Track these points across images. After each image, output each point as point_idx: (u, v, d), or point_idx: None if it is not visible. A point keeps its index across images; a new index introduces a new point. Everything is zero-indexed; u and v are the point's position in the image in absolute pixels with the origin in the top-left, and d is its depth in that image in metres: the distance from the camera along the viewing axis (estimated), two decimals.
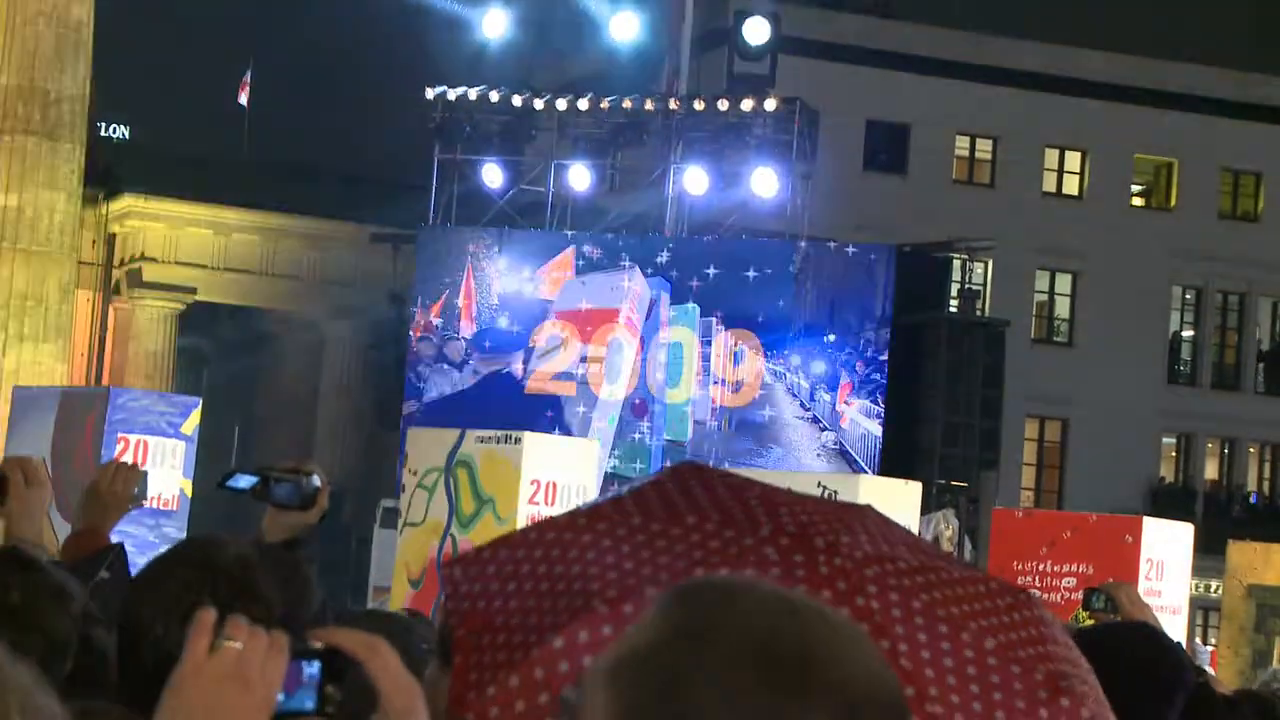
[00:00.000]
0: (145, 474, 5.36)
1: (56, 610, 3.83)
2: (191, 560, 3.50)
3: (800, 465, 29.25)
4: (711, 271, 31.23)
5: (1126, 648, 4.39)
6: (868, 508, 3.09)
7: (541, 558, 2.84)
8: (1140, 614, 5.42)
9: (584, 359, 30.84)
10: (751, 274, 31.17)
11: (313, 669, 2.24)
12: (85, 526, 5.21)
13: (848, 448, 29.44)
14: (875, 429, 29.73)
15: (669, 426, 31.14)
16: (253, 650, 2.18)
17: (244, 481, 4.42)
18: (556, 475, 19.25)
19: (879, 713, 1.77)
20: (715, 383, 31.29)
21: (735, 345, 31.22)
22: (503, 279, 32.36)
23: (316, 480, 4.46)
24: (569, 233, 32.57)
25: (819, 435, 30.36)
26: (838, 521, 2.95)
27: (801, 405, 30.68)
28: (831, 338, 30.65)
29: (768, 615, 1.78)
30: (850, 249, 31.62)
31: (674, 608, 1.79)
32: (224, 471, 4.49)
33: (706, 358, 31.23)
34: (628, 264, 31.30)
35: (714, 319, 31.16)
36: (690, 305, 31.29)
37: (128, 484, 5.28)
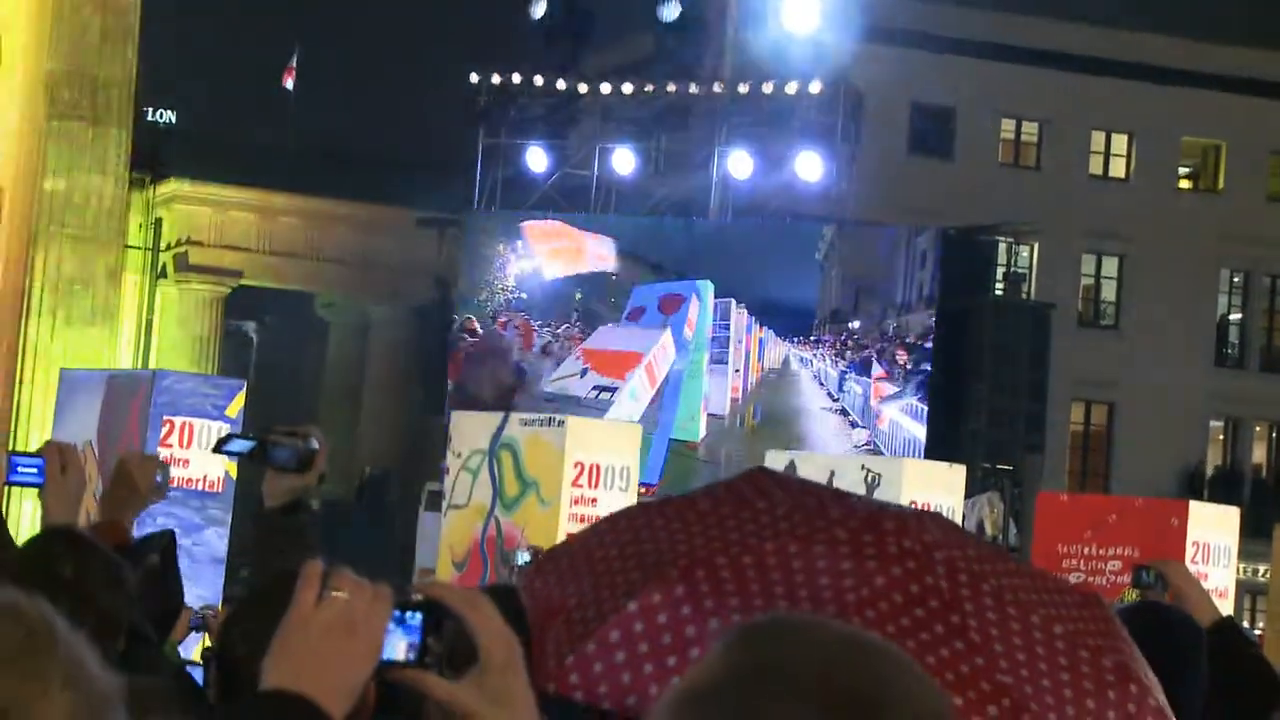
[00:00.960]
0: (166, 466, 5.32)
1: (110, 587, 3.88)
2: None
3: None
4: (734, 257, 31.05)
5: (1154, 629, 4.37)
6: (935, 513, 3.11)
7: (612, 542, 2.92)
8: (1191, 590, 5.38)
9: (597, 389, 30.55)
10: (776, 258, 31.03)
11: (414, 621, 2.29)
12: (105, 518, 5.19)
13: (884, 451, 29.01)
14: (919, 431, 29.11)
15: (677, 425, 30.62)
16: (357, 600, 2.23)
17: (241, 445, 4.41)
18: (600, 457, 19.26)
19: None
20: (735, 370, 30.98)
21: (760, 332, 31.02)
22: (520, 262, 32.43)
23: (314, 442, 4.45)
24: (611, 217, 32.58)
25: (850, 433, 29.99)
26: (905, 513, 3.00)
27: (829, 395, 30.46)
28: (856, 324, 30.49)
29: (833, 653, 1.77)
30: (891, 230, 31.48)
31: (739, 645, 1.79)
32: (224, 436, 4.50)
33: (724, 342, 30.92)
34: (660, 324, 31.01)
35: (732, 302, 30.90)
36: (705, 282, 30.94)
37: (146, 475, 5.25)
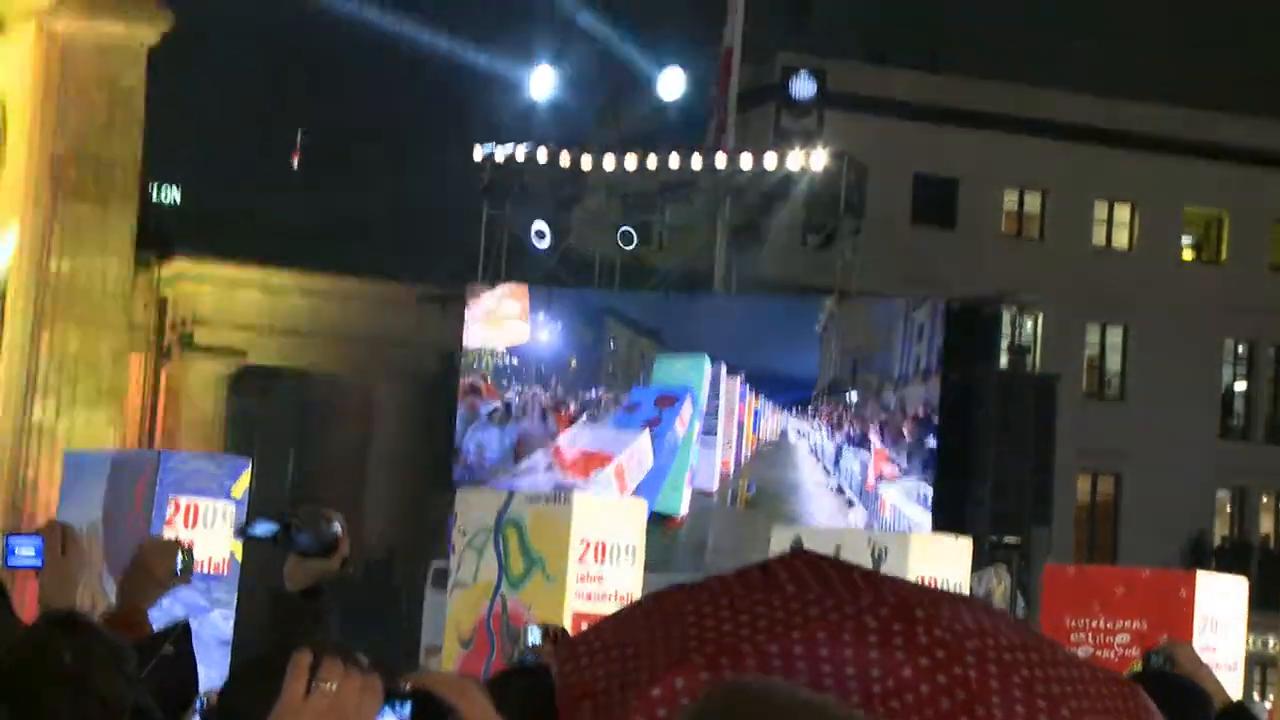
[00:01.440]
0: (188, 551, 5.21)
1: (111, 673, 3.83)
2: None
3: None
4: (734, 328, 30.97)
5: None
6: (974, 598, 3.06)
7: (642, 624, 2.88)
8: (1200, 672, 5.38)
9: (559, 487, 29.59)
10: (776, 330, 30.97)
11: (404, 711, 2.29)
12: (125, 604, 5.17)
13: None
14: (922, 519, 28.68)
15: (661, 498, 30.28)
16: (347, 692, 2.25)
17: (264, 529, 4.46)
18: (606, 535, 19.18)
19: None
20: (727, 443, 30.66)
21: (756, 402, 30.81)
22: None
23: (336, 527, 4.52)
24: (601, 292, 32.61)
25: (847, 512, 29.72)
26: (941, 599, 2.95)
27: (824, 470, 30.25)
28: (853, 396, 30.39)
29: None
30: (890, 304, 31.42)
31: (712, 707, 1.82)
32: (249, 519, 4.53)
33: (714, 412, 30.70)
34: (640, 425, 30.75)
35: (723, 369, 30.68)
36: (701, 356, 30.76)
37: (165, 560, 5.20)
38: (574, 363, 31.88)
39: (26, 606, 5.10)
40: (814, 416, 30.56)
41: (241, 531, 4.56)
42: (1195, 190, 43.72)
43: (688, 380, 30.75)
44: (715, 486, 30.65)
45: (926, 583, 3.28)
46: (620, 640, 2.88)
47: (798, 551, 3.10)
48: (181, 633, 5.13)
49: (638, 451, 30.60)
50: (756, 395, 30.60)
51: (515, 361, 32.24)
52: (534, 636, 8.55)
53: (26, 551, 5.12)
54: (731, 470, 30.80)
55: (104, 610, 5.37)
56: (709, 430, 30.66)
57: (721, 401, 30.63)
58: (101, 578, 19.16)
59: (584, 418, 31.16)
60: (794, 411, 30.64)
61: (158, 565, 5.15)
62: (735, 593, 2.89)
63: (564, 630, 8.38)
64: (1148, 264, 43.42)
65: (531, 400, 31.95)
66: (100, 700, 3.72)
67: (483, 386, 32.25)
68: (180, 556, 5.13)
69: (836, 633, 2.81)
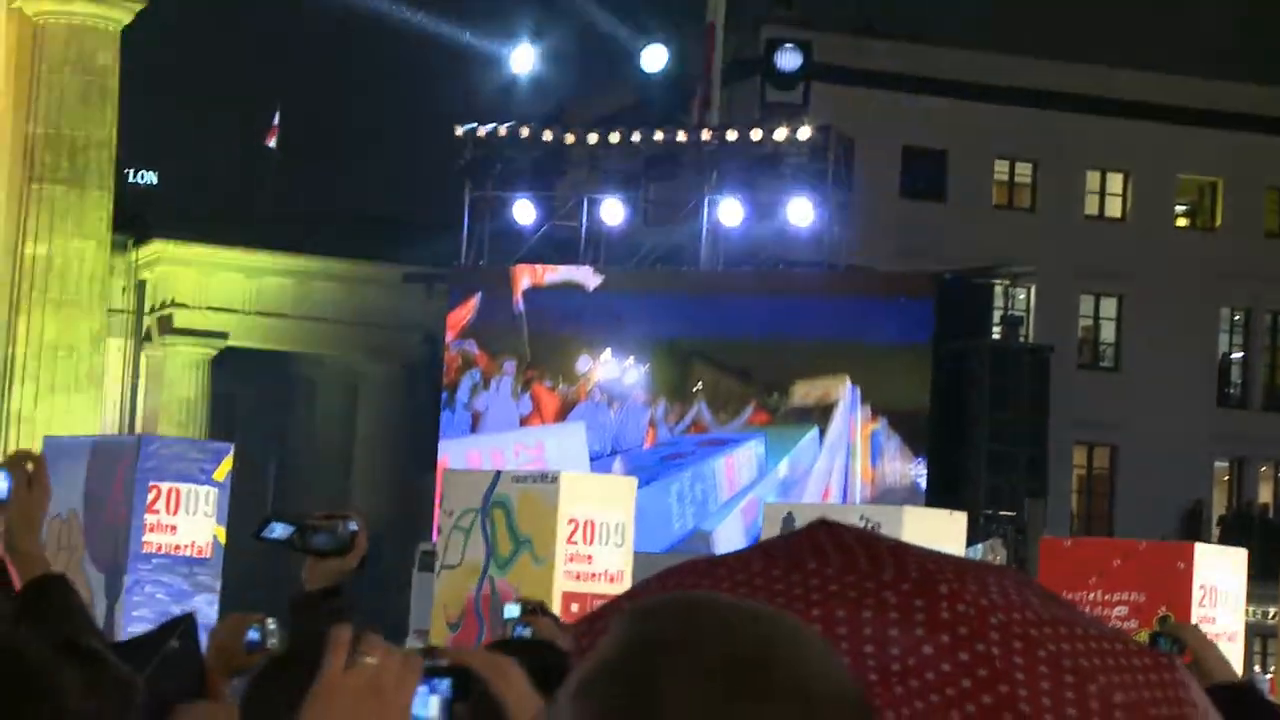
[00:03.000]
0: (263, 624, 4.95)
1: (120, 706, 3.74)
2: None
3: None
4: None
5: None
6: (1007, 568, 3.03)
7: None
8: (1209, 653, 5.30)
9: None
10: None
11: (443, 686, 2.32)
12: (212, 687, 4.99)
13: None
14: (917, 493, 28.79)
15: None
16: (387, 667, 2.26)
17: (280, 531, 4.47)
18: (594, 513, 19.06)
19: (840, 713, 1.80)
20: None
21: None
22: None
23: (353, 525, 4.50)
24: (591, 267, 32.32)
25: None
26: (968, 572, 2.92)
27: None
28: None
29: (729, 624, 1.83)
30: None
31: (639, 621, 1.84)
32: (259, 519, 4.53)
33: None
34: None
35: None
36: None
37: (233, 636, 4.96)
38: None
39: None
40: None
41: (256, 534, 4.50)
42: (1189, 157, 43.54)
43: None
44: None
45: None
46: None
47: (822, 522, 3.04)
48: (186, 627, 5.11)
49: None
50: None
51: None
52: (512, 612, 8.47)
53: None
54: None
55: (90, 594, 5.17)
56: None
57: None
58: (82, 563, 18.98)
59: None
60: None
61: (230, 641, 4.95)
62: (754, 568, 2.86)
63: (543, 604, 8.21)
64: (1141, 233, 43.23)
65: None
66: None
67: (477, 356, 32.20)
68: (253, 628, 4.91)
69: (856, 609, 2.77)
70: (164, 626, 5.17)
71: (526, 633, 5.87)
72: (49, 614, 4.59)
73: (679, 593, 2.03)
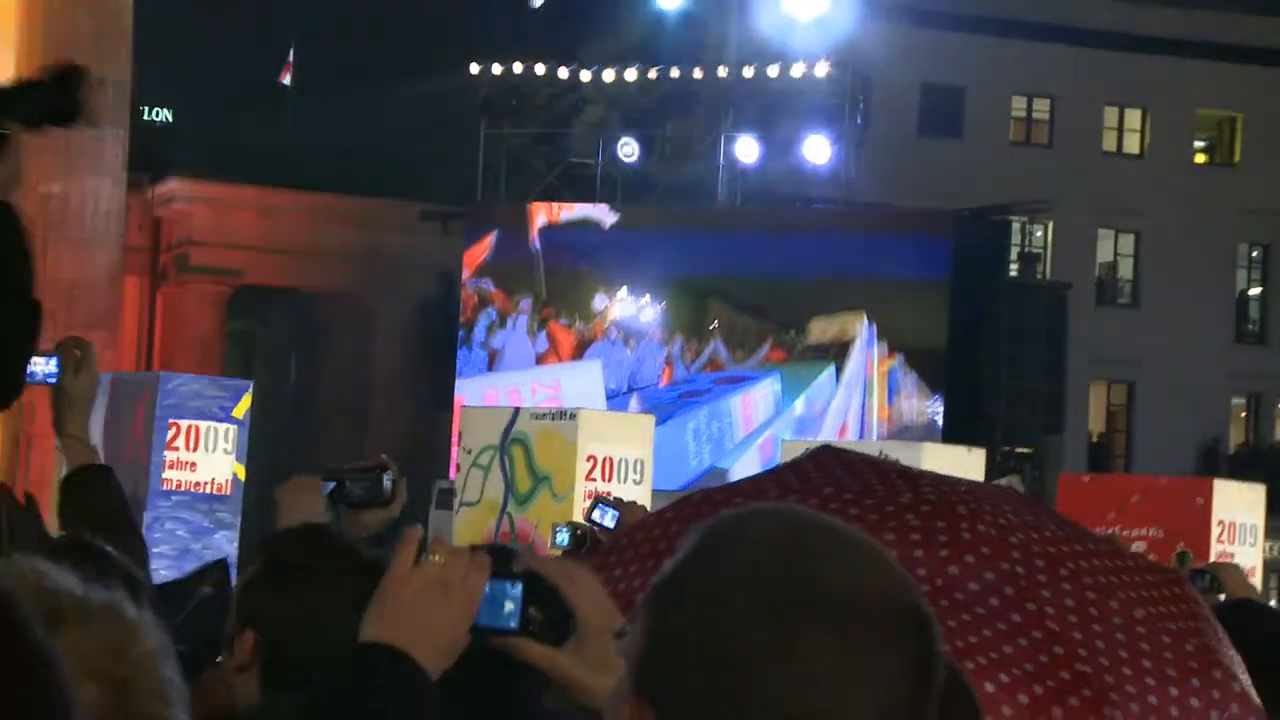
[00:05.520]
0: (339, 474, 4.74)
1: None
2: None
3: None
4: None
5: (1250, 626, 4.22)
6: (1010, 489, 3.16)
7: (677, 532, 2.89)
8: (1246, 593, 5.33)
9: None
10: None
11: (515, 591, 2.36)
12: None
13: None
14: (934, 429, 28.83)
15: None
16: (454, 565, 2.35)
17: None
18: (613, 450, 19.08)
19: (881, 623, 1.79)
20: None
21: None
22: None
23: (391, 475, 4.58)
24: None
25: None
26: (981, 493, 2.97)
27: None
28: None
29: (774, 532, 1.83)
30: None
31: (699, 535, 1.86)
32: (275, 455, 4.55)
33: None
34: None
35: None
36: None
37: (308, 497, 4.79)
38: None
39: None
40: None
41: None
42: (1207, 92, 43.29)
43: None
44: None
45: None
46: (654, 547, 2.93)
47: (826, 448, 3.07)
48: (220, 573, 5.13)
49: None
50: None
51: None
52: (563, 538, 8.38)
53: (47, 368, 4.90)
54: None
55: None
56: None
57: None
58: None
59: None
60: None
61: (302, 502, 4.76)
62: (770, 495, 2.87)
63: (592, 529, 8.10)
64: (1160, 169, 43.05)
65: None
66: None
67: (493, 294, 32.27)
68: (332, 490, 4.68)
69: (879, 532, 2.76)
70: (197, 572, 5.18)
71: (609, 515, 5.85)
72: (86, 505, 4.56)
73: (741, 507, 1.99)
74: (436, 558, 2.35)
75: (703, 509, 2.90)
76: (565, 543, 8.23)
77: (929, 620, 1.83)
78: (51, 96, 3.85)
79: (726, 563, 1.82)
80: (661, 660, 1.81)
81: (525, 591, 2.37)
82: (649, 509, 18.43)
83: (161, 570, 17.06)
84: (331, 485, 4.49)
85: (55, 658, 1.45)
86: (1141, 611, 2.79)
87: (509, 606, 2.36)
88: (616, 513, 5.54)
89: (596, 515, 5.59)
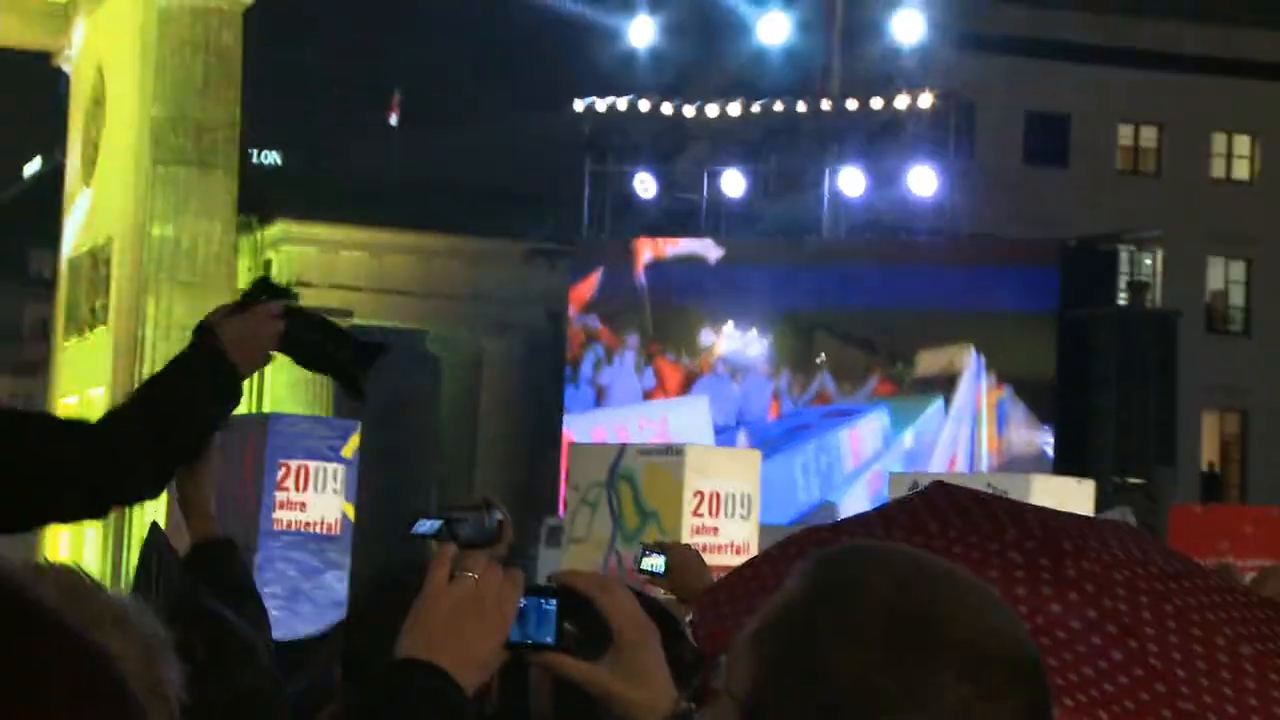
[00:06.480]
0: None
1: (243, 665, 3.82)
2: None
3: None
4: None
5: None
6: (1123, 523, 3.14)
7: (784, 570, 2.73)
8: None
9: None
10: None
11: (550, 606, 2.37)
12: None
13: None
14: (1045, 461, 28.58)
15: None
16: (488, 581, 2.36)
17: (427, 527, 4.61)
18: (719, 485, 19.02)
19: (1008, 670, 1.78)
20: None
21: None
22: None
23: (498, 514, 4.73)
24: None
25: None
26: (1088, 528, 2.95)
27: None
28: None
29: (896, 575, 1.82)
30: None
31: (812, 572, 1.86)
32: (384, 495, 4.60)
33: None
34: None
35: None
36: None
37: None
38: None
39: None
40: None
41: (406, 531, 4.63)
42: None
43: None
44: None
45: None
46: (763, 584, 2.92)
47: (937, 484, 3.06)
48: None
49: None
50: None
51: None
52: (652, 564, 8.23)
53: None
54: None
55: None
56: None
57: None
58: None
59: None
60: None
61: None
62: (876, 533, 2.88)
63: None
64: (1269, 195, 42.54)
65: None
66: (234, 693, 3.66)
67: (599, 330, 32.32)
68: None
69: (982, 570, 2.74)
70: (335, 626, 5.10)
71: (656, 560, 5.77)
72: (212, 578, 4.66)
73: (857, 543, 2.00)
74: (471, 574, 2.36)
75: (809, 546, 2.89)
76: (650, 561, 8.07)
77: (1043, 671, 1.82)
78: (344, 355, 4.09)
79: (854, 601, 1.80)
80: (774, 698, 1.80)
81: (560, 606, 2.38)
82: (755, 544, 18.39)
83: (273, 611, 17.19)
84: (437, 526, 4.57)
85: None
86: (1249, 648, 2.74)
87: (544, 621, 2.37)
88: (663, 557, 5.47)
89: (645, 564, 5.51)
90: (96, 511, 3.93)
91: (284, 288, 4.09)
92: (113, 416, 3.95)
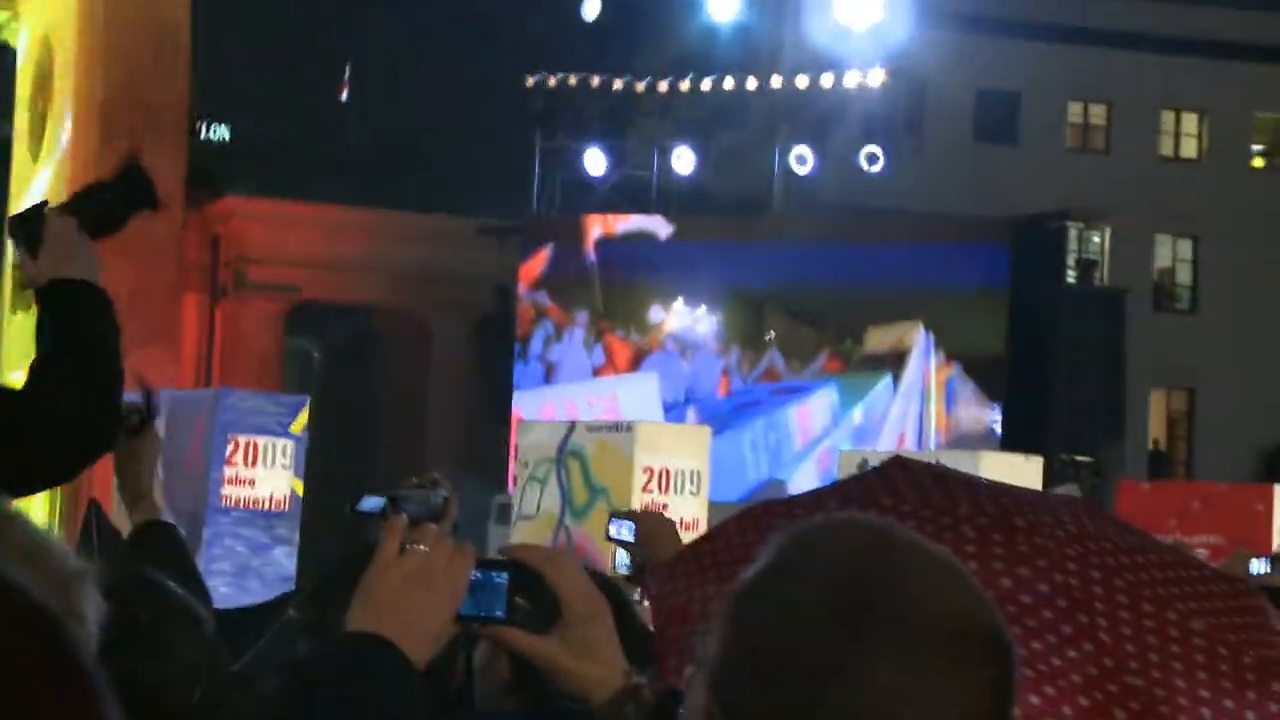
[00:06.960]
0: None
1: (185, 633, 3.78)
2: None
3: None
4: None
5: None
6: (1074, 498, 3.16)
7: (739, 544, 2.89)
8: None
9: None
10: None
11: (501, 579, 2.38)
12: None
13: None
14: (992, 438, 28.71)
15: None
16: (438, 554, 2.36)
17: (371, 504, 4.57)
18: (669, 462, 19.09)
19: (968, 644, 1.78)
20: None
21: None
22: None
23: (442, 492, 4.69)
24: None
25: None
26: (1042, 504, 2.94)
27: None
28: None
29: (858, 547, 1.82)
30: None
31: (778, 546, 1.86)
32: (333, 471, 4.61)
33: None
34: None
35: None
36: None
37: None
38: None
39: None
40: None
41: (350, 510, 4.59)
42: (1265, 96, 42.99)
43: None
44: None
45: None
46: (716, 559, 2.91)
47: (895, 460, 3.06)
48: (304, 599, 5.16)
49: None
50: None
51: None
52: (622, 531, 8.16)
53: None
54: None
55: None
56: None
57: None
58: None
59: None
60: None
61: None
62: (830, 507, 2.87)
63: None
64: (1217, 174, 42.77)
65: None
66: (175, 661, 3.64)
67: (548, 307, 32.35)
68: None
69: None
70: (280, 598, 5.32)
71: (625, 528, 5.75)
72: (153, 559, 4.70)
73: (823, 517, 1.99)
74: (421, 546, 2.36)
75: (764, 520, 2.91)
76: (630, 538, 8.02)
77: (1009, 646, 1.80)
78: (119, 196, 4.06)
79: (807, 576, 1.81)
80: (736, 671, 1.80)
81: (510, 579, 2.38)
82: (705, 521, 18.42)
83: (220, 588, 17.13)
84: (381, 504, 4.52)
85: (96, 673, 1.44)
86: (1200, 623, 2.75)
87: (494, 594, 2.37)
88: (633, 524, 5.45)
89: (613, 531, 5.49)
90: (74, 461, 3.91)
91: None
92: (32, 372, 3.94)
